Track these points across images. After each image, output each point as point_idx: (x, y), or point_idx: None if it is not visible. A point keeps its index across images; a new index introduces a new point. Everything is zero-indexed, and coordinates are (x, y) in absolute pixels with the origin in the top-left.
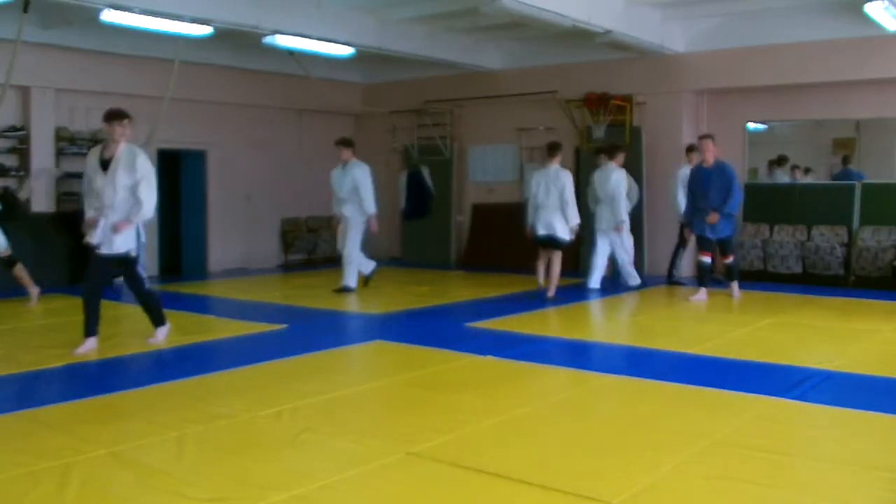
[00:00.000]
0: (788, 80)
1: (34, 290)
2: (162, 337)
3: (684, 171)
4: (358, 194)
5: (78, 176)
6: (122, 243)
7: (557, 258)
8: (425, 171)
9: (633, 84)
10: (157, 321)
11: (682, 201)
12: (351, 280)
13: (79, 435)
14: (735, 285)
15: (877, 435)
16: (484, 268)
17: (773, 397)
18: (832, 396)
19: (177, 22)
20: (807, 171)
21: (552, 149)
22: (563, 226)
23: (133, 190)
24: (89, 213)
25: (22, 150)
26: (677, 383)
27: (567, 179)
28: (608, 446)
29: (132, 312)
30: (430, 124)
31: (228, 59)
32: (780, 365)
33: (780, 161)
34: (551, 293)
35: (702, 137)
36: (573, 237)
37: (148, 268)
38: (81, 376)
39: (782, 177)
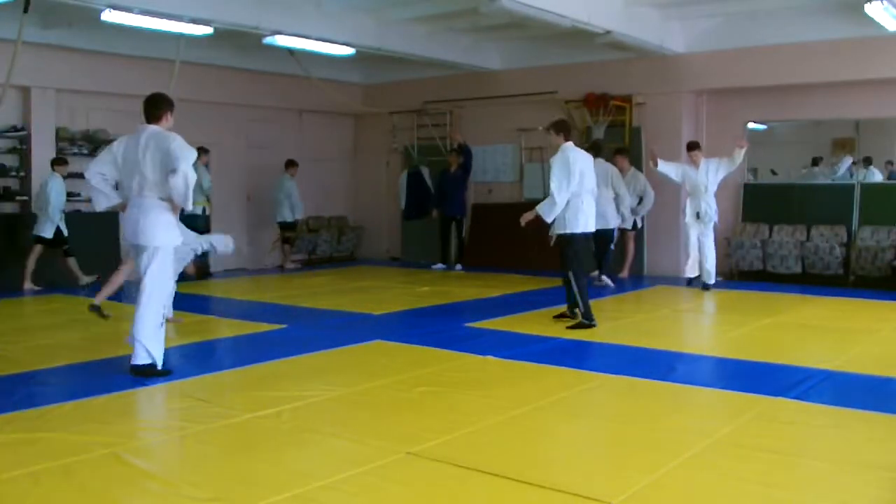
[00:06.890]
0: (788, 80)
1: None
2: None
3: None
4: None
5: (79, 176)
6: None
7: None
8: (425, 172)
9: (633, 84)
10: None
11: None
12: None
13: (79, 435)
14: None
15: (877, 435)
16: (484, 268)
17: (773, 397)
18: (832, 396)
19: (177, 22)
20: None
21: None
22: None
23: None
24: None
25: (22, 150)
26: (677, 383)
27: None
28: (608, 446)
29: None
30: (429, 124)
31: (229, 59)
32: (780, 365)
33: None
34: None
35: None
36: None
37: None
38: (81, 376)
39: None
